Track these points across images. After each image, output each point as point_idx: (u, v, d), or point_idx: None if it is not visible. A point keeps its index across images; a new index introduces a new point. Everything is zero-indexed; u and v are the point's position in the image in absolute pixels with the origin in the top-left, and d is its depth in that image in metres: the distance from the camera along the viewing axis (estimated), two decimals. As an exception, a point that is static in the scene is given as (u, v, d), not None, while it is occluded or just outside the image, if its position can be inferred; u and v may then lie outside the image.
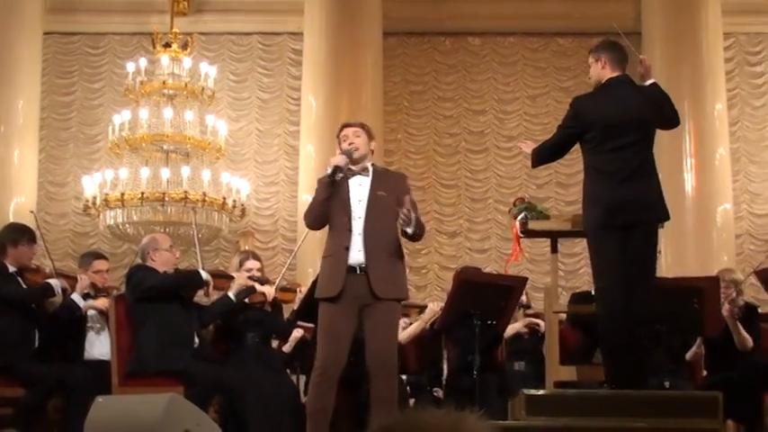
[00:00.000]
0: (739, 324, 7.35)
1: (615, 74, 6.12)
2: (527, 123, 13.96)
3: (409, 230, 5.88)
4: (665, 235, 6.57)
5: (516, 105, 14.16)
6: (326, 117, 12.32)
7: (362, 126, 6.22)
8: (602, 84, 6.15)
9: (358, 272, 5.83)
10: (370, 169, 6.07)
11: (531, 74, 14.28)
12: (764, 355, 7.54)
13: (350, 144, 6.06)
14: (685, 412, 5.53)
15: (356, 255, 5.86)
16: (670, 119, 6.17)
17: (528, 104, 14.14)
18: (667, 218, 6.05)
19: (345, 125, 6.28)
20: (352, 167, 6.04)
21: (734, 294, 7.52)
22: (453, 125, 14.11)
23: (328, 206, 5.98)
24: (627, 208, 5.84)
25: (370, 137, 6.18)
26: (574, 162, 11.28)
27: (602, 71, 6.15)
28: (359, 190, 5.99)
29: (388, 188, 6.00)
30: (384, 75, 13.54)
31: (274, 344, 7.91)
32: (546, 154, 6.36)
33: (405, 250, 6.09)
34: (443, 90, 14.28)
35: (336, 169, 5.93)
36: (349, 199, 5.97)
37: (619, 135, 5.90)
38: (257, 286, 7.34)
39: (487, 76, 14.28)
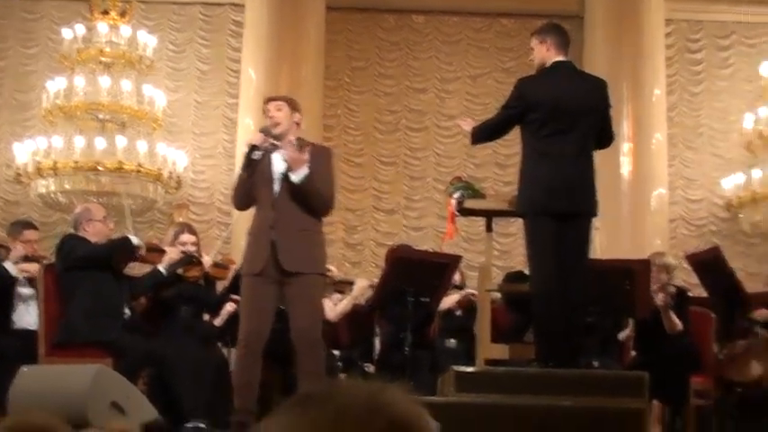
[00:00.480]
0: (670, 309, 7.43)
1: (560, 57, 6.13)
2: (468, 103, 13.95)
3: (294, 177, 5.84)
4: (599, 218, 6.62)
5: (458, 85, 14.14)
6: (266, 90, 12.16)
7: (285, 99, 6.20)
8: (547, 66, 6.16)
9: (277, 246, 5.84)
10: (293, 143, 6.03)
11: (474, 54, 14.27)
12: (693, 337, 7.63)
13: (271, 117, 6.04)
14: (612, 391, 5.58)
15: (276, 229, 5.86)
16: (609, 135, 6.24)
17: (469, 84, 14.13)
18: (596, 213, 6.12)
19: (268, 99, 6.27)
20: (276, 142, 6.00)
21: (666, 279, 7.60)
22: (394, 102, 14.06)
23: (251, 185, 5.96)
24: (566, 194, 5.88)
25: (295, 110, 6.14)
26: (513, 143, 11.26)
27: (546, 54, 6.15)
28: (281, 165, 5.96)
29: (309, 161, 5.95)
30: (326, 50, 13.45)
31: (207, 318, 7.86)
32: (486, 133, 6.37)
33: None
34: (385, 67, 14.22)
35: (253, 148, 5.91)
36: (271, 174, 5.94)
37: (563, 119, 5.92)
38: (189, 261, 7.30)
39: (430, 54, 14.24)
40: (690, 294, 8.03)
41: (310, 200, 5.92)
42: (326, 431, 1.21)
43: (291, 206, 5.89)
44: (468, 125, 6.46)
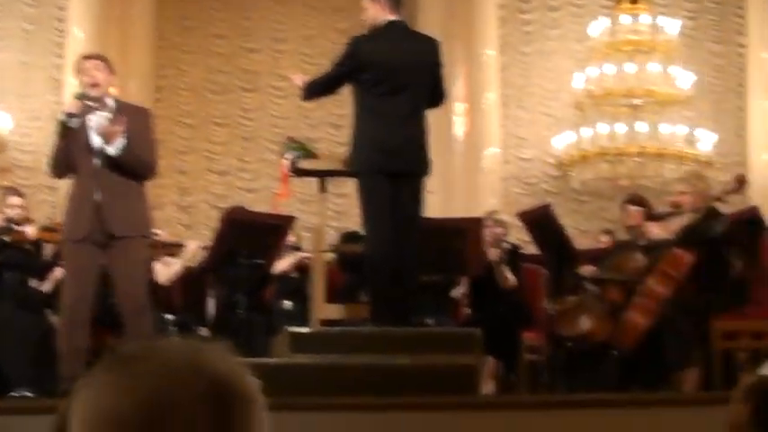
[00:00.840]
0: (503, 265, 7.56)
1: (393, 17, 6.12)
2: (302, 63, 13.84)
3: (110, 150, 5.70)
4: (433, 178, 6.67)
5: (291, 45, 14.05)
6: (94, 51, 11.83)
7: (103, 59, 6.03)
8: (380, 26, 6.13)
9: (100, 211, 5.69)
10: (111, 105, 5.88)
11: (307, 14, 14.19)
12: (525, 294, 7.78)
13: (91, 77, 5.85)
14: (446, 348, 5.64)
15: (98, 194, 5.71)
16: (441, 93, 6.27)
17: (303, 44, 14.05)
18: (429, 172, 6.14)
19: (85, 57, 6.09)
20: (92, 104, 5.82)
21: (499, 234, 7.73)
22: (226, 63, 13.90)
23: (69, 152, 5.79)
24: (400, 154, 5.90)
25: (111, 71, 5.98)
26: (347, 103, 11.26)
27: (380, 13, 6.13)
28: (98, 136, 5.81)
29: (128, 127, 5.80)
30: (156, 9, 13.16)
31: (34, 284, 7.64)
32: (318, 89, 6.37)
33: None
34: (217, 27, 14.01)
35: (70, 116, 5.73)
36: (89, 142, 5.78)
37: (396, 78, 5.94)
38: (16, 227, 7.07)
39: (262, 14, 14.10)
40: (522, 252, 8.18)
41: (131, 168, 5.79)
42: (145, 392, 1.16)
43: (112, 174, 5.75)
44: (300, 80, 6.44)
